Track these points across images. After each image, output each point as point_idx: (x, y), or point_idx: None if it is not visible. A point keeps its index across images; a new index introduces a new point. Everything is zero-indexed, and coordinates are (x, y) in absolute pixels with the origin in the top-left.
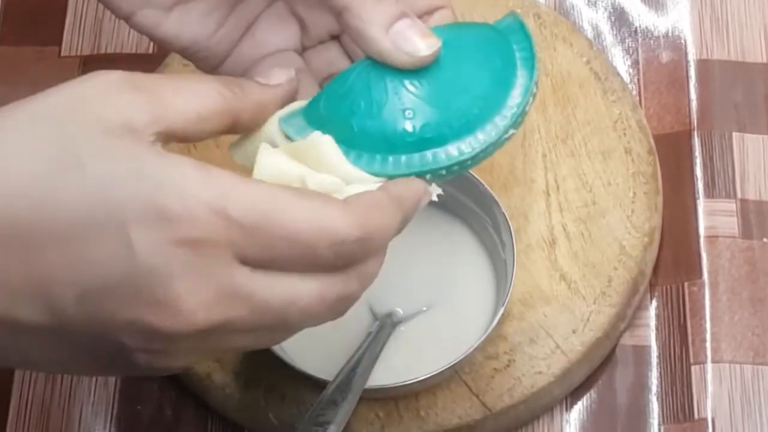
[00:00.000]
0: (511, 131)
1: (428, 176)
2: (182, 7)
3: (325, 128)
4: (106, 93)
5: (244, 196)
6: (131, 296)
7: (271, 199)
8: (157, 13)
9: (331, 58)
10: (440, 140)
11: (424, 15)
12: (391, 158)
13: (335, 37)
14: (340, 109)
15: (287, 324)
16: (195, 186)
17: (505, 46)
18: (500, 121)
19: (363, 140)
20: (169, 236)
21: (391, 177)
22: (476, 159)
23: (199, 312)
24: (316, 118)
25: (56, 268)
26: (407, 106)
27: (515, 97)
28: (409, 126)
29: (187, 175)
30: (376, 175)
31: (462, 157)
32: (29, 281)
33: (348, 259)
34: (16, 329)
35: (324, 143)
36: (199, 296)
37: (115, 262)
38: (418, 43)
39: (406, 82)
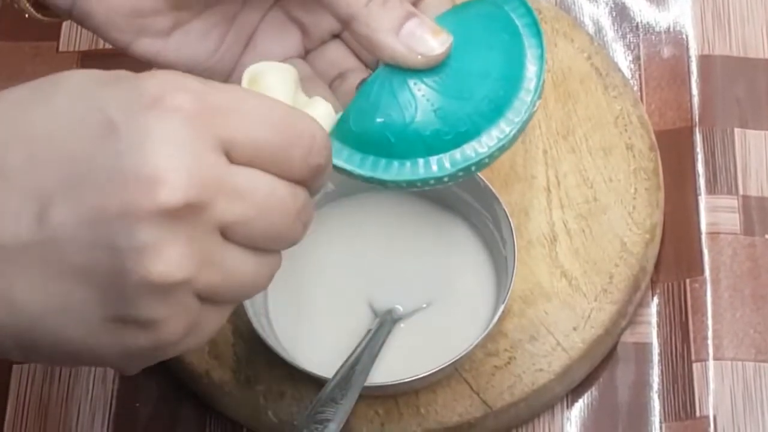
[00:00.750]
0: (537, 102)
1: (474, 168)
2: (180, 31)
3: (358, 143)
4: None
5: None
6: (116, 178)
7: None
8: (155, 42)
9: (336, 57)
10: (476, 131)
11: (418, 1)
12: (434, 160)
13: (337, 36)
14: (371, 123)
15: (269, 219)
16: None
17: (506, 18)
18: (526, 96)
19: (402, 149)
20: (147, 105)
21: (438, 179)
22: (514, 139)
23: (184, 176)
24: (348, 137)
25: (38, 167)
26: (437, 106)
27: (531, 68)
28: (443, 125)
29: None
30: (423, 180)
31: (501, 143)
32: (14, 189)
33: (320, 168)
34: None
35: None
36: (184, 163)
37: (98, 147)
38: (430, 41)
39: (429, 81)
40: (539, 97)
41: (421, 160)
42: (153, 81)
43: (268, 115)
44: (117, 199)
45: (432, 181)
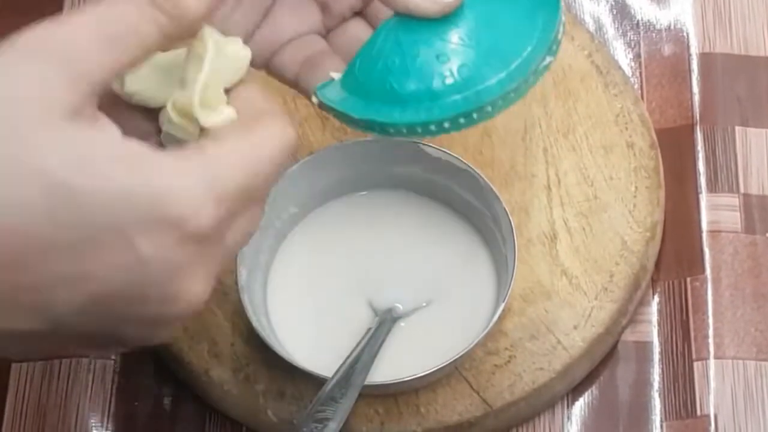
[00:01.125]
0: (548, 59)
1: (475, 115)
2: None
3: (363, 92)
4: (39, 86)
5: (229, 164)
6: (138, 298)
7: (247, 149)
8: None
9: (357, 34)
10: (479, 79)
11: None
12: (435, 105)
13: (358, 13)
14: (375, 70)
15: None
16: (187, 182)
17: None
18: (536, 51)
19: (404, 95)
20: (176, 237)
21: (440, 122)
22: (519, 92)
23: (203, 294)
24: (353, 84)
25: (56, 281)
26: (440, 52)
27: (545, 25)
28: (446, 70)
29: (172, 171)
30: (424, 124)
31: (504, 90)
32: (25, 295)
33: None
34: (3, 334)
35: None
36: (202, 280)
37: (123, 271)
38: None
39: (435, 30)
40: (551, 55)
41: (422, 105)
42: (172, 200)
43: (267, 168)
44: (138, 311)
45: (433, 127)
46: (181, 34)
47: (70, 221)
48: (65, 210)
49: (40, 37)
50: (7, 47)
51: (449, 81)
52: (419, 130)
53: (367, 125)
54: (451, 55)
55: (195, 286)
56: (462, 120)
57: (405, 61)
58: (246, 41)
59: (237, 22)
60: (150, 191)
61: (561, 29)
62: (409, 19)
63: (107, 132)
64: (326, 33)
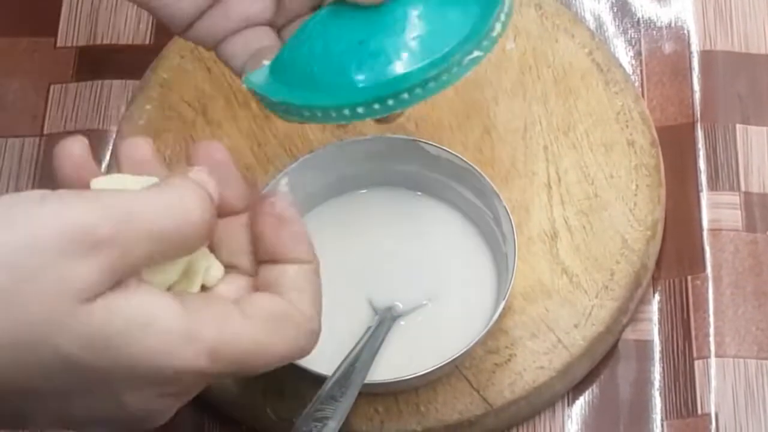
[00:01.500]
0: (477, 53)
1: (391, 102)
2: None
3: (287, 77)
4: (60, 261)
5: (231, 350)
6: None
7: (256, 347)
8: None
9: None
10: (397, 66)
11: None
12: (352, 90)
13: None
14: (300, 55)
15: None
16: (183, 355)
17: None
18: (463, 44)
19: (323, 80)
20: (160, 392)
21: (353, 106)
22: (439, 82)
23: (170, 415)
24: (280, 69)
25: (38, 410)
26: (363, 39)
27: (481, 19)
28: (365, 56)
29: (169, 340)
30: (339, 106)
31: (421, 79)
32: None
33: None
34: None
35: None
36: (172, 412)
37: (108, 412)
38: None
39: (366, 19)
40: (481, 50)
41: (339, 90)
42: (162, 361)
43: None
44: None
45: (347, 111)
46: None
47: (69, 380)
48: (67, 374)
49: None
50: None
51: (366, 67)
52: (333, 114)
53: (286, 109)
54: (373, 43)
55: (164, 419)
56: (377, 106)
57: (328, 47)
58: (193, 22)
59: (187, 3)
60: (140, 350)
61: (498, 26)
62: (343, 6)
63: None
64: (280, 26)
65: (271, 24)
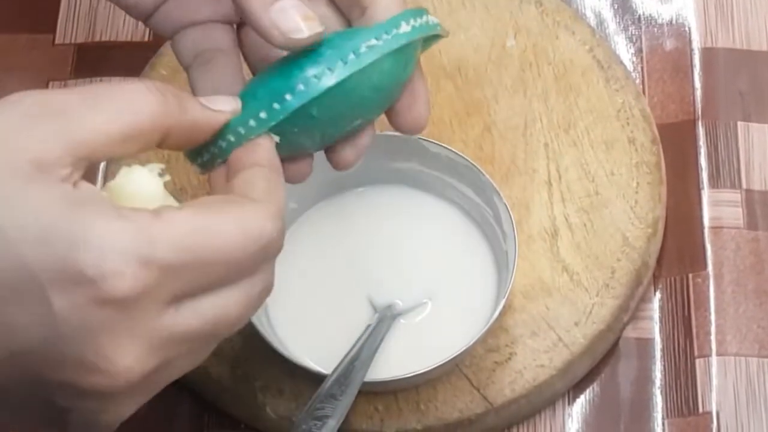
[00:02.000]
0: (373, 41)
1: (288, 96)
2: None
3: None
4: (19, 127)
5: (170, 234)
6: (58, 359)
7: (197, 227)
8: None
9: None
10: (321, 73)
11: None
12: (256, 102)
13: None
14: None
15: (219, 336)
16: (115, 238)
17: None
18: (362, 36)
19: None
20: (92, 297)
21: (258, 111)
22: (337, 70)
23: (133, 368)
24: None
25: None
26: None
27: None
28: (273, 77)
29: (105, 226)
30: (247, 117)
31: (316, 65)
32: None
33: (270, 252)
34: None
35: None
36: (131, 352)
37: (36, 326)
38: (298, 23)
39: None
40: (379, 40)
41: (271, 107)
42: (90, 258)
43: (222, 252)
44: (58, 376)
45: (252, 122)
46: (177, 133)
47: None
48: None
49: (33, 93)
50: (12, 101)
51: (271, 83)
52: (242, 130)
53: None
54: (284, 67)
55: (119, 357)
56: (276, 105)
57: (268, 75)
58: (153, 11)
59: None
60: (69, 236)
61: (405, 25)
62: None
63: (68, 186)
64: (239, 28)
65: (231, 21)
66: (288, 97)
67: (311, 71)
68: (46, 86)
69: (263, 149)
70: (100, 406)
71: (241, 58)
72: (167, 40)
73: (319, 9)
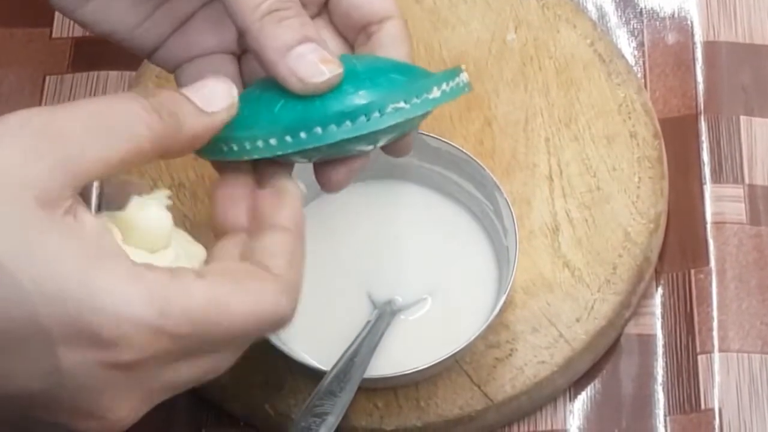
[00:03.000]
0: (402, 104)
1: (325, 148)
2: None
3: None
4: (22, 162)
5: (185, 305)
6: (54, 405)
7: (213, 302)
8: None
9: None
10: (325, 100)
11: (370, 25)
12: (279, 121)
13: None
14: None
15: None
16: (131, 304)
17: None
18: (390, 93)
19: (254, 117)
20: (102, 359)
21: (281, 132)
22: (357, 124)
23: (128, 417)
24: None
25: None
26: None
27: (420, 84)
28: (296, 99)
29: (121, 290)
30: (268, 134)
31: (342, 109)
32: None
33: (280, 326)
34: None
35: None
36: (128, 406)
37: (39, 376)
38: (317, 66)
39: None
40: (408, 103)
41: (268, 122)
42: (104, 323)
43: (230, 329)
44: (53, 418)
45: (273, 141)
46: (176, 149)
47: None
48: None
49: (33, 118)
50: None
51: (294, 103)
52: (260, 144)
53: (213, 145)
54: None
55: (117, 410)
56: (303, 134)
57: (260, 97)
58: (155, 49)
59: (147, 29)
60: (85, 297)
61: (437, 91)
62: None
63: (77, 227)
64: (240, 54)
65: (233, 52)
66: (303, 135)
67: (332, 110)
68: (43, 80)
69: (290, 206)
70: None
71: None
72: None
73: (320, 33)
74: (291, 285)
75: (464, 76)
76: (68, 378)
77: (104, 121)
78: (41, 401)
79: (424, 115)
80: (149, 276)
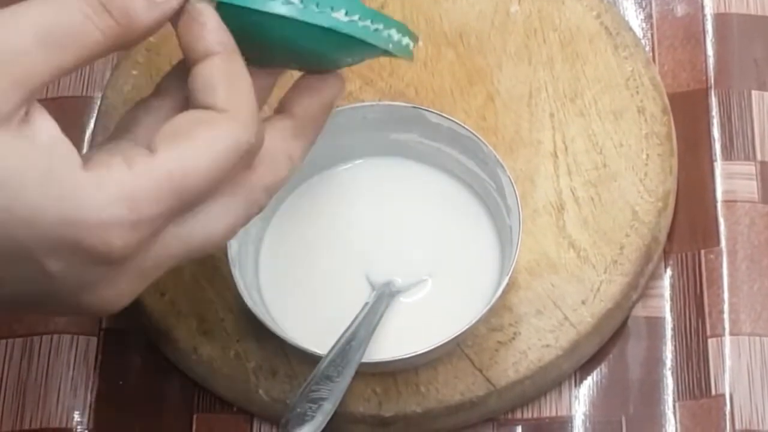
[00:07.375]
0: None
1: (250, 23)
2: None
3: None
4: None
5: (149, 188)
6: (50, 302)
7: (173, 171)
8: None
9: None
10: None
11: None
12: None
13: None
14: None
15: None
16: (98, 210)
17: None
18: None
19: None
20: (87, 261)
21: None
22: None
23: (127, 296)
24: None
25: None
26: None
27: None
28: None
29: (86, 202)
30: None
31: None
32: None
33: (248, 158)
34: None
35: None
36: (127, 288)
37: (31, 282)
38: None
39: None
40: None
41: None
42: (84, 230)
43: (204, 179)
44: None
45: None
46: (128, 45)
47: None
48: None
49: None
50: None
51: None
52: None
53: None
54: None
55: (111, 294)
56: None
57: None
58: None
59: None
60: (59, 216)
61: (387, 40)
62: None
63: (35, 137)
64: None
65: None
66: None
67: None
68: None
69: (209, 28)
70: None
71: None
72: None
73: None
74: (241, 113)
75: (405, 40)
76: (59, 279)
77: (56, 34)
78: (36, 301)
79: (359, 51)
80: (108, 177)
